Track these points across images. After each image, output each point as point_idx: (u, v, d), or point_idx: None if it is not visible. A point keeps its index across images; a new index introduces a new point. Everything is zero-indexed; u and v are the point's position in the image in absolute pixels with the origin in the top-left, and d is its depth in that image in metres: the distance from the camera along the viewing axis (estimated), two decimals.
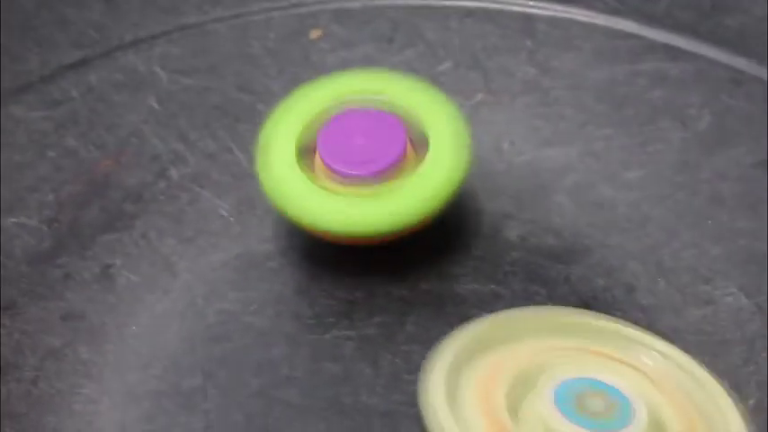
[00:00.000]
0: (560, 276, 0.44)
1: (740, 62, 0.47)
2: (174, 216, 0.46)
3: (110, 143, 0.47)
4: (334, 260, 0.44)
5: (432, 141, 0.43)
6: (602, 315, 0.40)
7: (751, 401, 0.40)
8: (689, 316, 0.42)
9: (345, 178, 0.42)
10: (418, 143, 0.43)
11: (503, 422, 0.36)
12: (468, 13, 0.50)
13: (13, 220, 0.45)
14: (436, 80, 0.48)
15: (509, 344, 0.39)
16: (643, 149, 0.46)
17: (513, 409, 0.37)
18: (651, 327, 0.42)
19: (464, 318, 0.42)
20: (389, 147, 0.42)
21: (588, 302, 0.43)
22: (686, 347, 0.41)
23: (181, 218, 0.46)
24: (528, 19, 0.50)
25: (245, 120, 0.48)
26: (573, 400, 0.36)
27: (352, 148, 0.42)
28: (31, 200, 0.45)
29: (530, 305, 0.43)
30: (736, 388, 0.40)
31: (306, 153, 0.43)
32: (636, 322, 0.42)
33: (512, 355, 0.38)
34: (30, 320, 0.43)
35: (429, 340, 0.42)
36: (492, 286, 0.43)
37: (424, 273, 0.44)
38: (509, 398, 0.37)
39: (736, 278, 0.43)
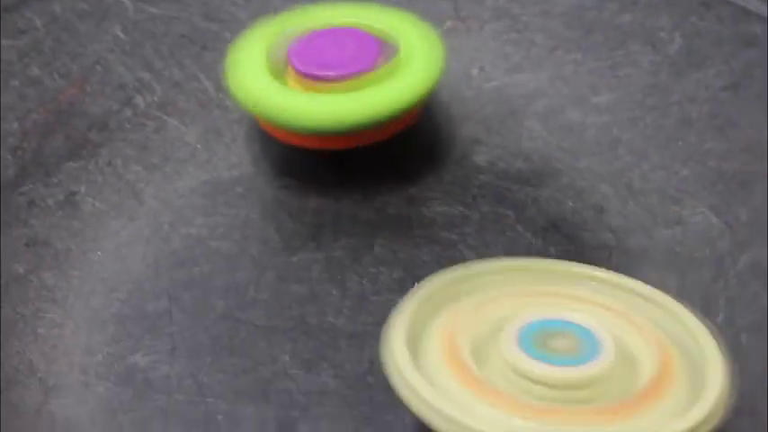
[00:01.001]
0: (528, 199, 0.43)
1: None
2: (140, 144, 0.45)
3: (74, 72, 0.46)
4: (301, 185, 0.44)
5: (404, 46, 0.43)
6: (572, 263, 0.40)
7: (719, 317, 0.40)
8: (658, 236, 0.42)
9: (318, 82, 0.42)
10: (390, 56, 0.43)
11: (467, 366, 0.36)
12: None
13: None
14: (406, 7, 0.48)
15: (475, 294, 0.38)
16: (613, 73, 0.46)
17: (480, 354, 0.36)
18: (621, 246, 0.42)
19: (432, 240, 0.42)
20: (361, 54, 0.42)
21: (557, 224, 0.43)
22: (656, 267, 0.41)
23: (147, 145, 0.45)
24: None
25: (211, 48, 0.47)
26: (537, 339, 0.36)
27: (324, 55, 0.42)
28: None
29: (498, 228, 0.42)
30: (706, 305, 0.40)
31: (276, 69, 0.43)
32: (605, 243, 0.42)
33: (478, 303, 0.38)
34: None
35: (397, 262, 0.42)
36: (460, 209, 0.43)
37: (391, 197, 0.43)
38: (475, 344, 0.37)
39: (705, 198, 0.43)
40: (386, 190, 0.44)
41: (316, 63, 0.42)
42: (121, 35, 0.47)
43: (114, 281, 0.42)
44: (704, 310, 0.40)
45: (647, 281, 0.40)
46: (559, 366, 0.35)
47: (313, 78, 0.42)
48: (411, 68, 0.42)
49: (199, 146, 0.45)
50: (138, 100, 0.46)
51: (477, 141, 0.45)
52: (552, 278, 0.39)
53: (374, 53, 0.42)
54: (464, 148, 0.45)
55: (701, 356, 0.36)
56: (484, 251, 0.42)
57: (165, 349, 0.40)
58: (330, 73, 0.42)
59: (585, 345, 0.36)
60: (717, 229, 0.42)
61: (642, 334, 0.37)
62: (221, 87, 0.46)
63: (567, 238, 0.42)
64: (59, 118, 0.46)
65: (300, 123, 0.42)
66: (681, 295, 0.40)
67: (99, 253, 0.42)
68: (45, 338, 0.40)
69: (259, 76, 0.42)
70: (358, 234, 0.42)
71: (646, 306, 0.38)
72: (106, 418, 0.38)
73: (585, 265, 0.39)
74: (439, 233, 0.42)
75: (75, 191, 0.44)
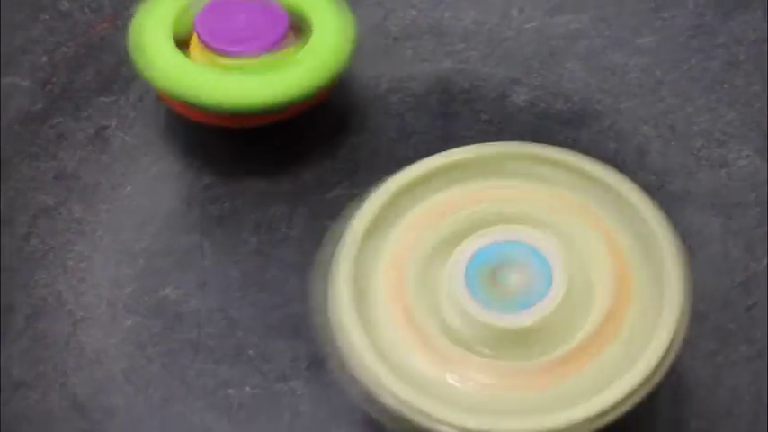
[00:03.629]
0: (568, 140, 0.42)
1: None
2: None
3: (106, 6, 0.46)
4: (336, 123, 0.43)
5: (315, 24, 0.41)
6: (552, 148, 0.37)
7: (763, 262, 0.39)
8: (702, 179, 0.41)
9: (225, 57, 0.40)
10: (299, 31, 0.41)
11: (411, 309, 0.35)
12: None
13: (7, 80, 0.44)
14: None
15: (433, 195, 0.37)
16: (657, 15, 0.45)
17: (427, 287, 0.35)
18: (663, 189, 0.41)
19: None
20: (270, 26, 0.40)
21: None
22: (699, 210, 0.40)
23: None
24: None
25: None
26: (486, 275, 0.34)
27: (231, 28, 0.40)
28: (24, 61, 0.44)
29: None
30: (749, 250, 0.39)
31: (182, 43, 0.41)
32: (647, 186, 0.41)
33: (421, 220, 0.37)
34: (22, 179, 0.42)
35: None
36: None
37: (428, 136, 0.42)
38: (422, 273, 0.35)
39: (752, 141, 0.42)
40: (422, 130, 0.43)
41: (224, 37, 0.40)
42: None
43: (144, 215, 0.41)
44: (748, 254, 0.39)
45: (689, 224, 0.40)
46: (507, 314, 0.34)
47: (220, 53, 0.40)
48: (322, 50, 0.40)
49: None
50: None
51: (516, 82, 0.44)
52: (505, 171, 0.37)
53: (283, 24, 0.40)
54: (503, 89, 0.44)
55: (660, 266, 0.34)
56: None
57: (195, 284, 0.39)
58: (239, 49, 0.40)
59: (536, 274, 0.34)
60: (762, 173, 0.41)
61: (599, 236, 0.36)
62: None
63: None
64: (90, 52, 0.45)
65: (212, 102, 0.40)
66: (724, 239, 0.39)
67: (129, 187, 0.42)
68: (74, 271, 0.40)
69: (166, 50, 0.40)
70: (393, 171, 0.41)
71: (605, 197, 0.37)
72: (135, 349, 0.38)
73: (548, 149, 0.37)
74: None
75: (106, 125, 0.43)
